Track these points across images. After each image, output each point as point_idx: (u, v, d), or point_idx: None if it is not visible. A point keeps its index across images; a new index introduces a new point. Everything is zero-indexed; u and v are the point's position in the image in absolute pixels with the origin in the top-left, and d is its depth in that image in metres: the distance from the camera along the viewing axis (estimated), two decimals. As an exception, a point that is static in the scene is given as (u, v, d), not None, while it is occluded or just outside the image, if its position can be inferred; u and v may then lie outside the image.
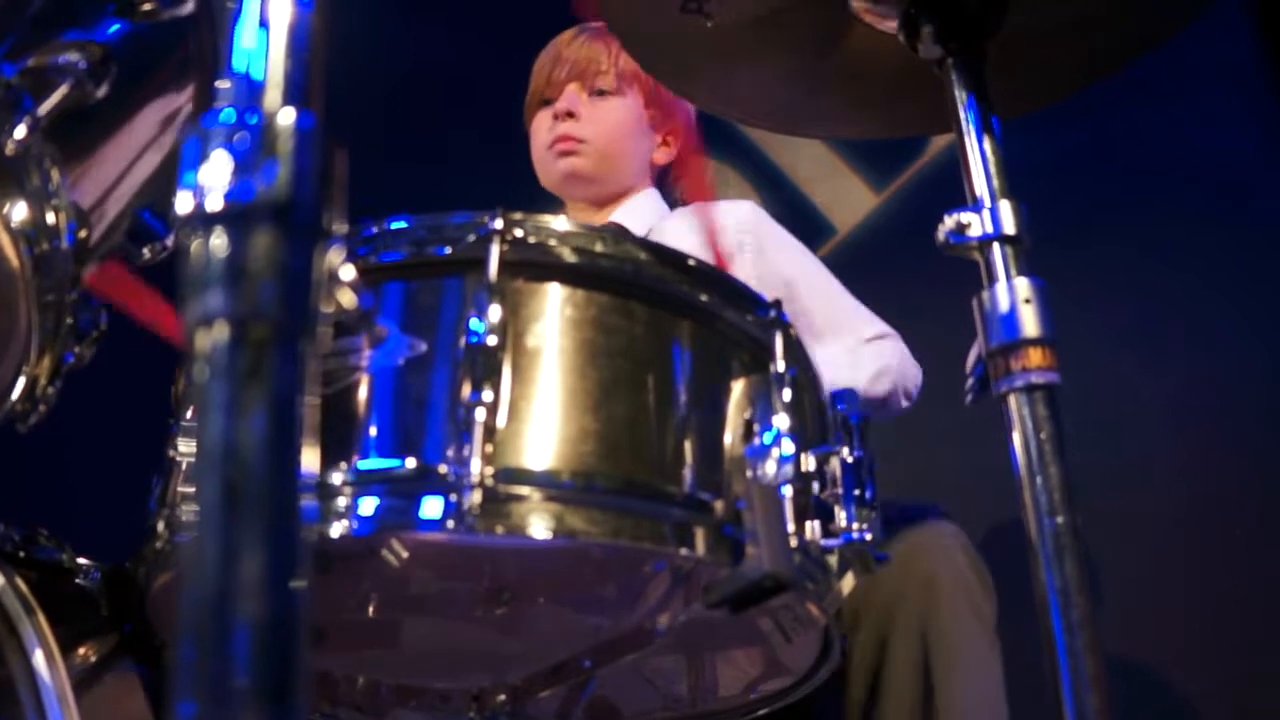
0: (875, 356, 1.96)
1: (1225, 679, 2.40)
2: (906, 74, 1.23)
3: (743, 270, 1.96)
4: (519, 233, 1.03)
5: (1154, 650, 2.44)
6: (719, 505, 1.03)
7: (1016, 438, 1.03)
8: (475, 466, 0.94)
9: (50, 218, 1.02)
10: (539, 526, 0.95)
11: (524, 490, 0.96)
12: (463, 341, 0.99)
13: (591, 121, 2.16)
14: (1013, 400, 1.03)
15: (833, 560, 1.07)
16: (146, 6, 1.08)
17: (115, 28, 1.08)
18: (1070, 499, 1.00)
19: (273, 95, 0.59)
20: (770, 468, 1.03)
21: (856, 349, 1.97)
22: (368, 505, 0.96)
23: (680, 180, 2.32)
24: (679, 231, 2.06)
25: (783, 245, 2.10)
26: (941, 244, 1.09)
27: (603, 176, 2.18)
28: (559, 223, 1.06)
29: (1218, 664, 2.41)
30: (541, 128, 2.20)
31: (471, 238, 1.03)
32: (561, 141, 2.15)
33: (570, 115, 2.15)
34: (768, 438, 1.04)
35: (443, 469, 0.95)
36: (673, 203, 2.27)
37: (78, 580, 1.24)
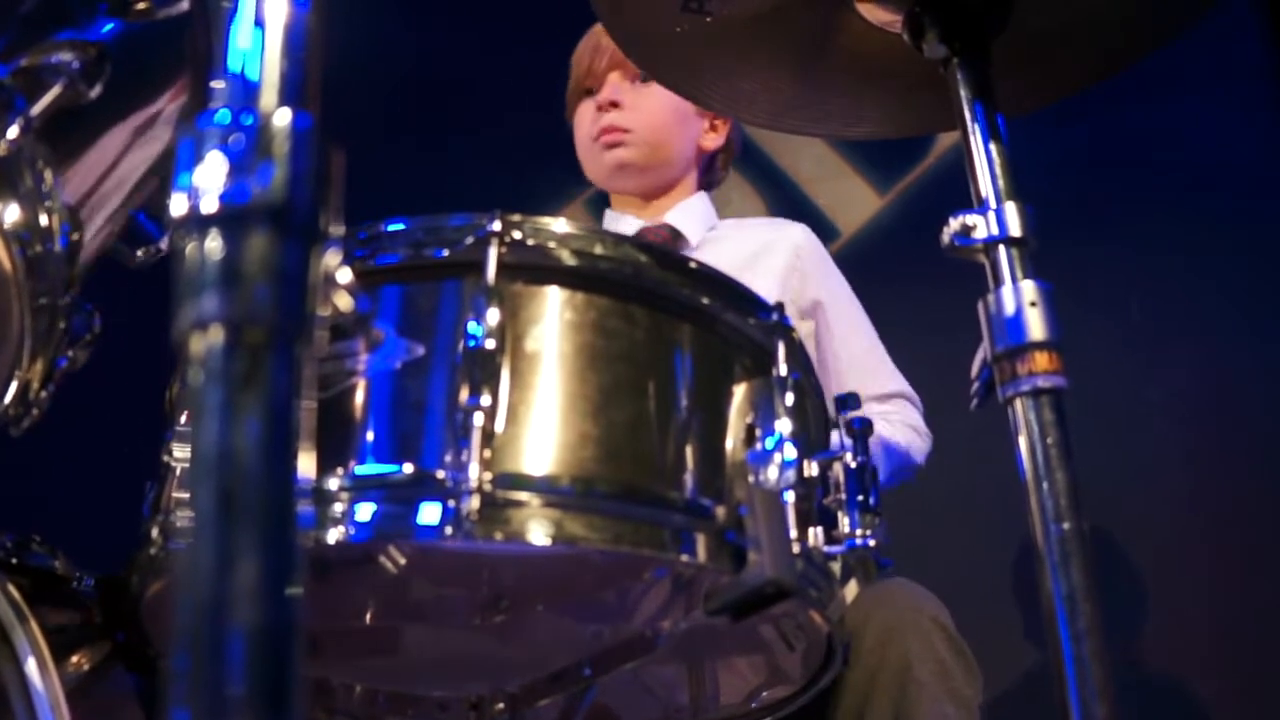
0: (889, 429, 1.92)
1: (1236, 685, 2.39)
2: (910, 73, 1.22)
3: (786, 294, 1.94)
4: (518, 235, 1.03)
5: (1163, 658, 2.44)
6: (720, 511, 1.02)
7: (1022, 443, 1.02)
8: (473, 472, 0.93)
9: (43, 220, 1.01)
10: (538, 533, 0.94)
11: (523, 496, 0.95)
12: (461, 345, 0.99)
13: (636, 110, 2.12)
14: (1019, 405, 1.02)
15: (836, 567, 1.06)
16: (140, 5, 1.07)
17: (109, 27, 1.07)
18: (1077, 504, 0.99)
19: (268, 96, 0.58)
20: (772, 473, 1.02)
21: (873, 409, 1.94)
22: (365, 511, 0.95)
23: (727, 167, 2.29)
24: (728, 243, 2.05)
25: (825, 273, 2.08)
26: (946, 246, 1.08)
27: (652, 166, 2.15)
28: (558, 225, 1.05)
29: (1228, 671, 2.41)
30: (585, 119, 2.17)
31: (469, 240, 1.02)
32: (608, 133, 2.12)
33: (615, 105, 2.11)
34: (770, 443, 1.03)
35: (440, 474, 0.95)
36: (711, 184, 2.25)
37: (71, 587, 1.24)
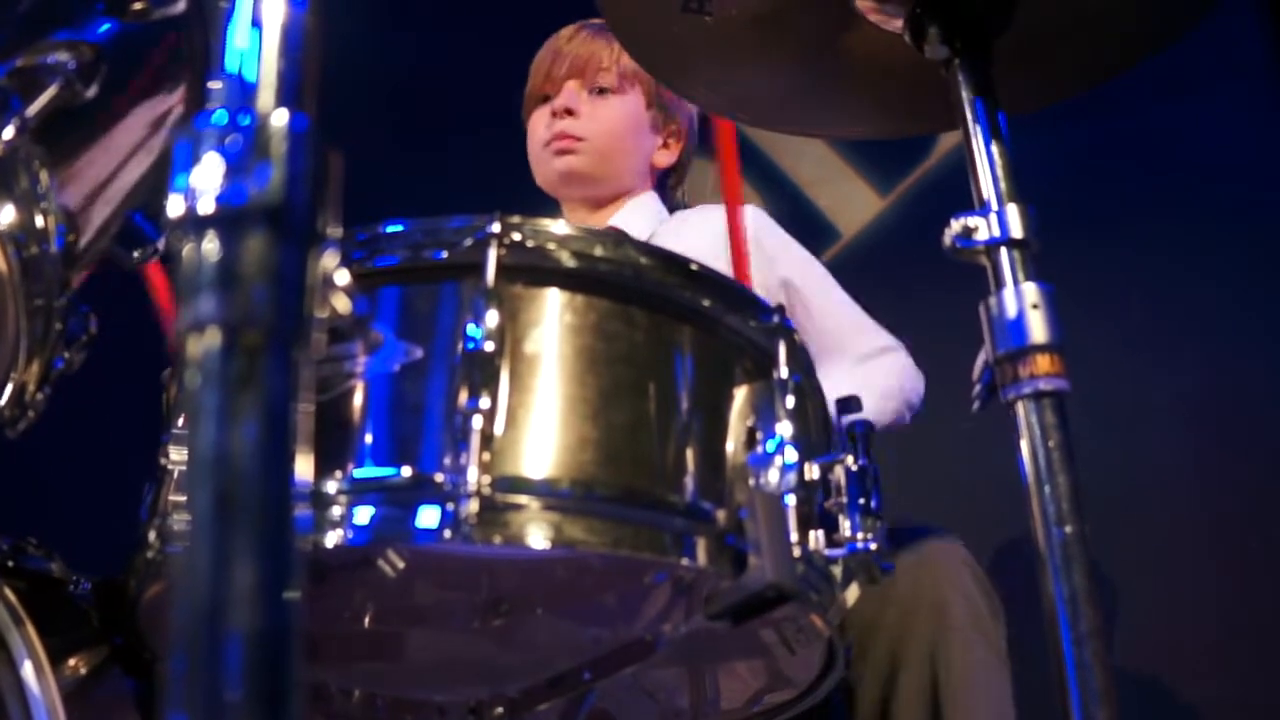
0: (882, 375, 1.94)
1: (1239, 690, 2.39)
2: (911, 73, 1.22)
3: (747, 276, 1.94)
4: (517, 236, 1.02)
5: (1164, 662, 2.43)
6: (721, 514, 1.01)
7: (1024, 446, 1.01)
8: (472, 475, 0.93)
9: (39, 221, 1.01)
10: (537, 536, 0.94)
11: (522, 499, 0.94)
12: (460, 347, 0.98)
13: (591, 120, 2.12)
14: (1020, 408, 1.02)
15: (837, 571, 1.06)
16: (137, 5, 1.07)
17: (105, 27, 1.06)
18: (1079, 508, 0.99)
19: (266, 96, 0.58)
20: (773, 476, 1.02)
21: (860, 369, 1.95)
22: (363, 514, 0.95)
23: (680, 186, 2.29)
24: (680, 234, 2.04)
25: (784, 247, 2.08)
26: (948, 248, 1.08)
27: (601, 177, 2.15)
28: (558, 226, 1.05)
29: (1231, 675, 2.40)
30: (539, 125, 2.17)
31: (468, 242, 1.02)
32: (559, 139, 2.13)
33: (569, 113, 2.12)
34: (770, 445, 1.03)
35: (439, 478, 0.94)
36: (672, 206, 2.25)
37: (68, 591, 1.24)
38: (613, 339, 1.03)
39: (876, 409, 1.89)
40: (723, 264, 1.89)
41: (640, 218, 2.13)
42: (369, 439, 0.99)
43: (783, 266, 2.03)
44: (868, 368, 1.96)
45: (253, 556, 0.51)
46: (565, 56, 2.16)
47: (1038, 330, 1.02)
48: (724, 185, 1.92)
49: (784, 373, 1.07)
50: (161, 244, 1.19)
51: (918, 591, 1.53)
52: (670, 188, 2.27)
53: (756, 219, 2.08)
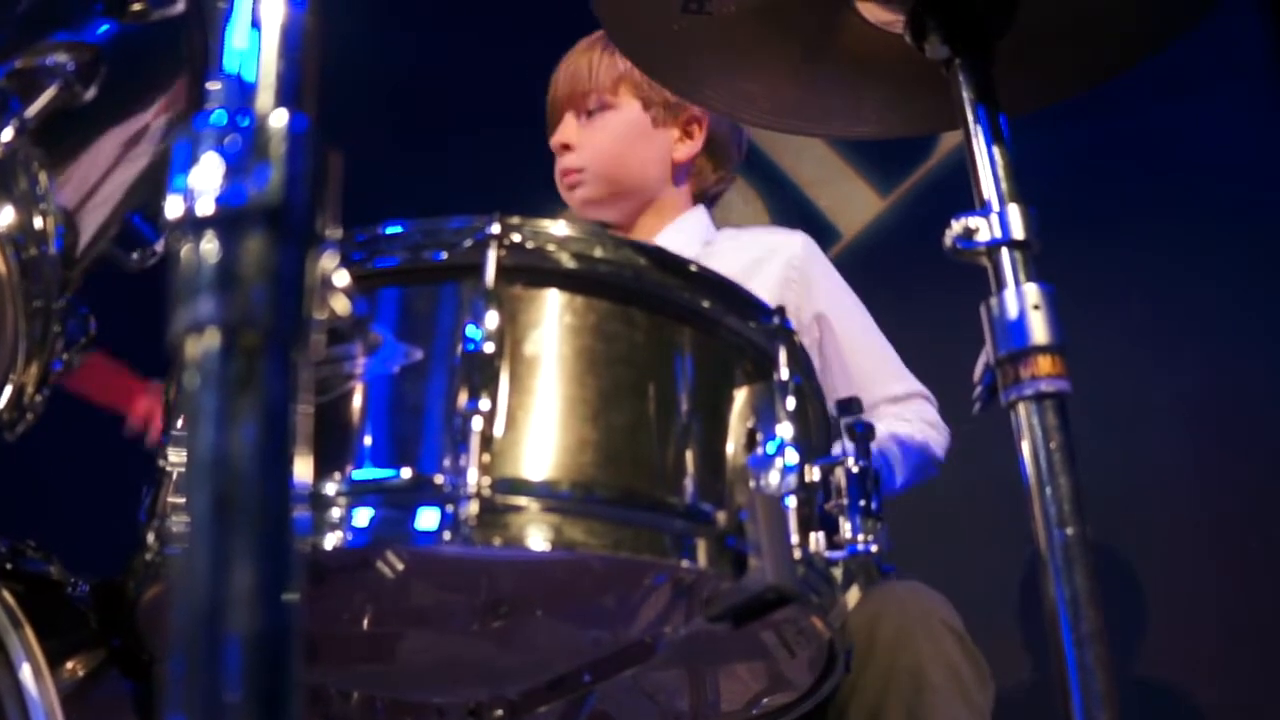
0: (907, 431, 1.91)
1: (1241, 692, 2.38)
2: (911, 73, 1.21)
3: (787, 304, 1.91)
4: (517, 237, 1.02)
5: (1167, 664, 2.43)
6: (721, 516, 1.01)
7: (1025, 447, 1.01)
8: (472, 477, 0.93)
9: (38, 222, 1.01)
10: (537, 538, 0.93)
11: (522, 501, 0.94)
12: (459, 349, 0.98)
13: (586, 147, 2.11)
14: (1022, 409, 1.02)
15: (837, 573, 1.06)
16: (136, 7, 1.07)
17: (104, 28, 1.06)
18: (1080, 510, 0.99)
19: (265, 97, 0.58)
20: (773, 478, 1.01)
21: (889, 413, 1.94)
22: (362, 516, 0.94)
23: (722, 171, 2.23)
24: (725, 255, 2.02)
25: (828, 282, 2.05)
26: (948, 249, 1.07)
27: (616, 195, 2.13)
28: (558, 227, 1.05)
29: (1233, 677, 2.40)
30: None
31: (468, 242, 1.02)
32: (564, 176, 2.13)
33: (567, 148, 2.12)
34: (771, 447, 1.03)
35: (439, 479, 0.94)
36: (711, 199, 2.22)
37: (66, 593, 1.23)
38: (613, 340, 1.02)
39: (911, 466, 1.88)
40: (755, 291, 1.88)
41: (685, 238, 2.09)
42: (368, 440, 0.99)
43: (820, 299, 2.01)
44: (890, 422, 1.93)
45: (252, 558, 0.50)
46: (556, 87, 2.15)
47: (1039, 331, 1.02)
48: None
49: (784, 374, 1.07)
50: (160, 245, 1.19)
51: (895, 658, 1.46)
52: (709, 172, 2.20)
53: (807, 249, 2.06)
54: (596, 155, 2.11)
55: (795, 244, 2.05)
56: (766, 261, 2.01)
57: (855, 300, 2.07)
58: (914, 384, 2.02)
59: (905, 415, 1.97)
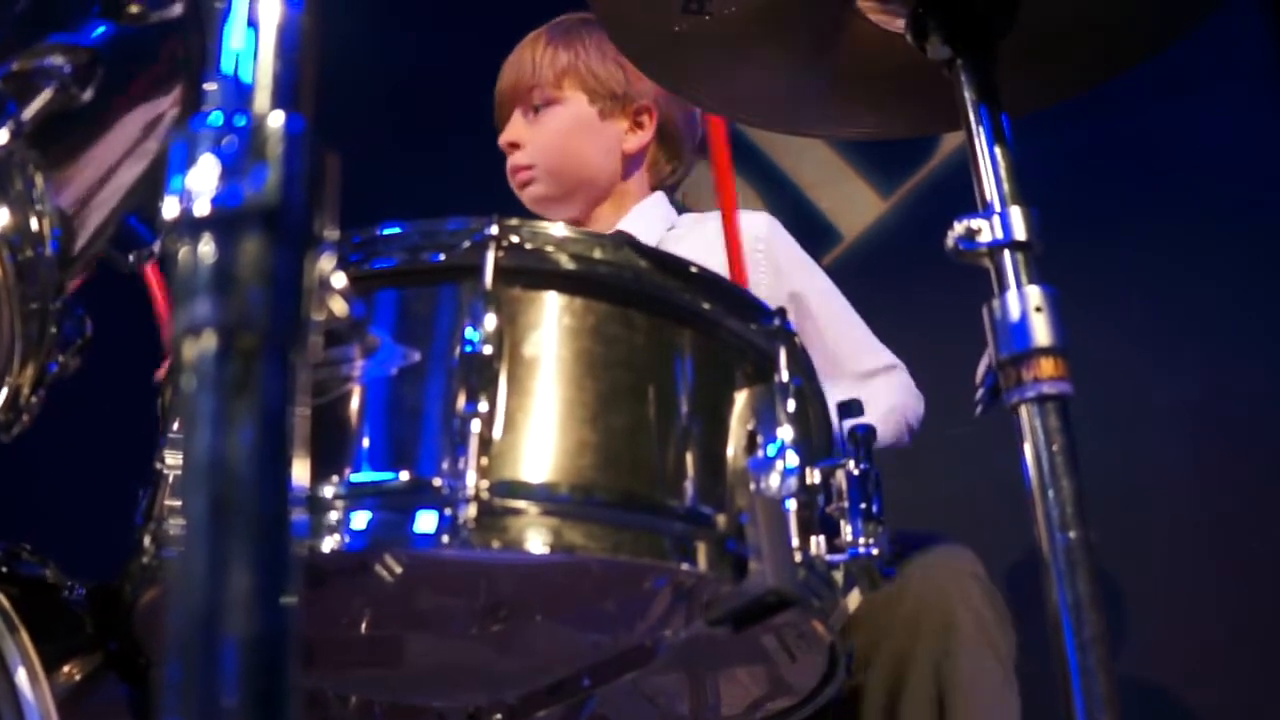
0: (883, 394, 1.94)
1: (1243, 696, 2.38)
2: (913, 73, 1.21)
3: (755, 286, 1.92)
4: (515, 239, 1.01)
5: (1169, 668, 2.42)
6: (721, 519, 1.01)
7: (1028, 450, 1.01)
8: (470, 479, 0.92)
9: (34, 224, 1.00)
10: (536, 541, 0.93)
11: (520, 504, 0.94)
12: (458, 351, 0.97)
13: (532, 144, 2.10)
14: (1024, 411, 1.01)
15: (838, 576, 1.05)
16: (133, 8, 1.06)
17: (101, 30, 1.06)
18: (1083, 513, 0.98)
19: (262, 97, 0.58)
20: (774, 480, 1.01)
21: (861, 387, 1.94)
22: (360, 519, 0.94)
23: (676, 163, 2.22)
24: (688, 240, 2.02)
25: (795, 260, 2.06)
26: (950, 251, 1.07)
27: (565, 192, 2.12)
28: (557, 228, 1.04)
29: (1235, 681, 2.39)
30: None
31: (466, 244, 1.01)
32: (515, 174, 2.12)
33: (515, 146, 2.11)
34: (771, 450, 1.02)
35: (437, 482, 0.93)
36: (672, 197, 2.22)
37: (62, 597, 1.23)
38: (612, 342, 1.02)
39: (879, 425, 1.88)
40: (723, 272, 1.87)
41: (646, 222, 2.09)
42: (366, 443, 0.99)
43: (793, 279, 2.01)
44: (868, 386, 1.95)
45: (249, 562, 0.50)
46: (505, 86, 2.14)
47: (1041, 333, 1.01)
48: (718, 190, 1.89)
49: (785, 376, 1.07)
50: (157, 247, 1.19)
51: (923, 605, 1.52)
52: (664, 162, 2.19)
53: (771, 229, 2.06)
54: (544, 152, 2.10)
55: (760, 225, 2.04)
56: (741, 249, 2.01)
57: (824, 276, 2.08)
58: (889, 357, 2.03)
59: (883, 385, 1.98)
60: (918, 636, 1.53)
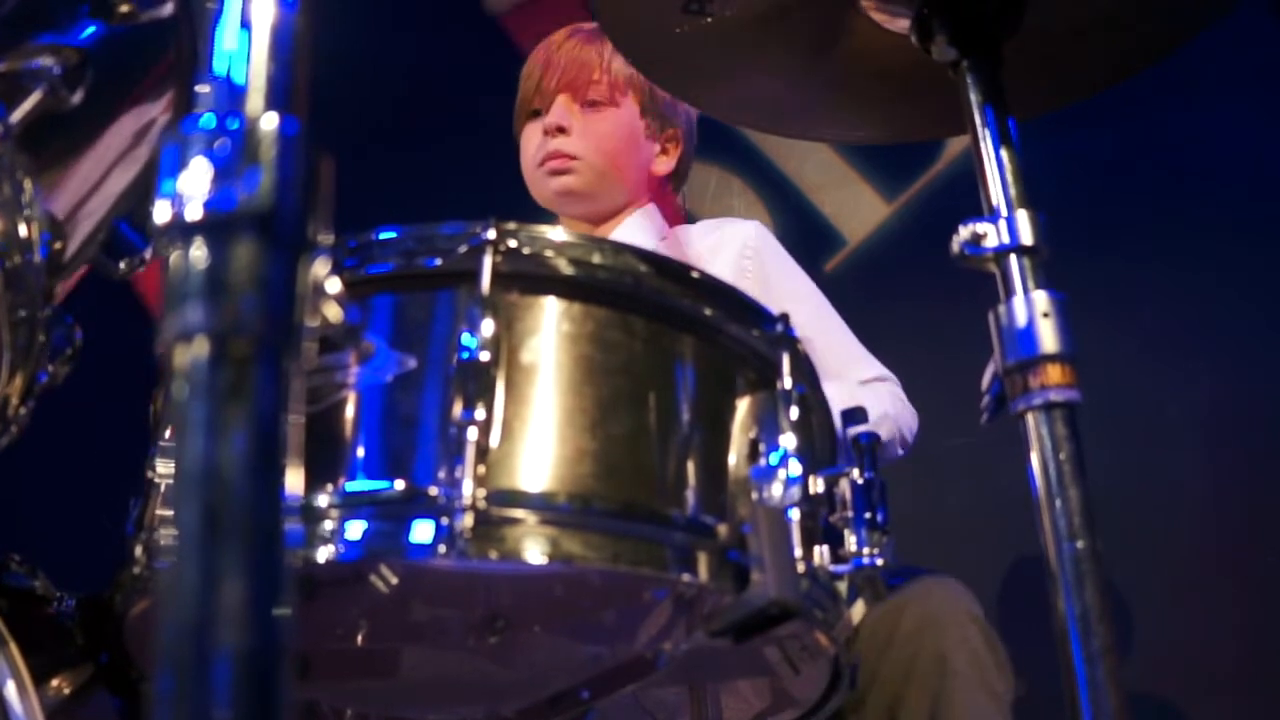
0: (875, 401, 1.93)
1: (1254, 710, 2.37)
2: (917, 75, 1.21)
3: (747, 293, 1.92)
4: (513, 243, 1.00)
5: (1178, 681, 2.41)
6: (723, 529, 1.00)
7: (1035, 459, 1.00)
8: (467, 488, 0.91)
9: (22, 230, 0.99)
10: (534, 551, 0.92)
11: (518, 513, 0.93)
12: (454, 357, 0.96)
13: (584, 136, 2.08)
14: (1031, 419, 1.01)
15: (842, 587, 1.05)
16: (123, 8, 1.05)
17: (91, 31, 1.04)
18: (1091, 522, 0.98)
19: (255, 100, 0.58)
20: (777, 490, 1.00)
21: (854, 391, 1.94)
22: (355, 529, 0.93)
23: (681, 186, 2.25)
24: (678, 250, 2.02)
25: (784, 271, 2.06)
26: (956, 255, 1.06)
27: (598, 193, 2.11)
28: (555, 233, 1.03)
29: (1246, 694, 2.38)
30: (531, 141, 2.13)
31: (463, 249, 1.00)
32: (553, 159, 2.08)
33: (562, 130, 2.08)
34: (774, 458, 1.02)
35: (433, 491, 0.92)
36: (673, 213, 2.22)
37: (51, 608, 1.23)
38: (611, 348, 1.01)
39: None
40: None
41: (639, 234, 2.09)
42: (361, 452, 0.98)
43: (780, 288, 2.00)
44: (860, 394, 1.94)
45: (241, 572, 0.50)
46: (555, 68, 2.11)
47: (1048, 340, 1.01)
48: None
49: (787, 383, 1.06)
50: (148, 252, 1.17)
51: (920, 643, 1.52)
52: (670, 194, 2.23)
53: (761, 237, 2.06)
54: (596, 148, 2.09)
55: (749, 232, 2.05)
56: (720, 252, 2.01)
57: (815, 288, 2.08)
58: (880, 369, 2.02)
59: (879, 394, 1.97)
60: (912, 676, 1.53)
